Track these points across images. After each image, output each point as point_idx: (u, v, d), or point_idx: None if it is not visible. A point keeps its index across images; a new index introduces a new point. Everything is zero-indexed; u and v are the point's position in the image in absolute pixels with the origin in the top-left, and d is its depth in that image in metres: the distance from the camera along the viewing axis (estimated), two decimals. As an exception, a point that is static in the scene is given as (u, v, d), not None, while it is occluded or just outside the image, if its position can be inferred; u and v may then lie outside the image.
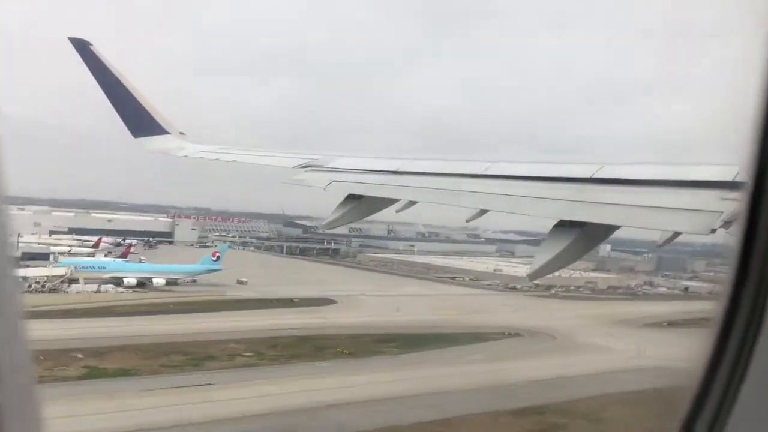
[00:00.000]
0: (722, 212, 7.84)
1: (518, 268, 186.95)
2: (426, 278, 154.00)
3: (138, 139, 21.46)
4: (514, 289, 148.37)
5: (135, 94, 21.27)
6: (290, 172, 16.19)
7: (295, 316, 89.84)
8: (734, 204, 7.86)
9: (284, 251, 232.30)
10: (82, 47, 21.19)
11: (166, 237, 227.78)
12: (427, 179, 12.93)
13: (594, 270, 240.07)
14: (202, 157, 19.45)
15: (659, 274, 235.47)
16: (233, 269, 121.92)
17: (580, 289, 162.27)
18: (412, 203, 12.68)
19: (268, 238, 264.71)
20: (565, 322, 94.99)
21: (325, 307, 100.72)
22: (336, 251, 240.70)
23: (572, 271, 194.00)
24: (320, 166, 15.90)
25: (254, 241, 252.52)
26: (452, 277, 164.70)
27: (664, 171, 9.49)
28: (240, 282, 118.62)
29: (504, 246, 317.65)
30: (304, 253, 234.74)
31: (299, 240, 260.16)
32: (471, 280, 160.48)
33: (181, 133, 22.04)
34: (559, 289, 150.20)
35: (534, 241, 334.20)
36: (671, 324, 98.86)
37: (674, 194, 8.80)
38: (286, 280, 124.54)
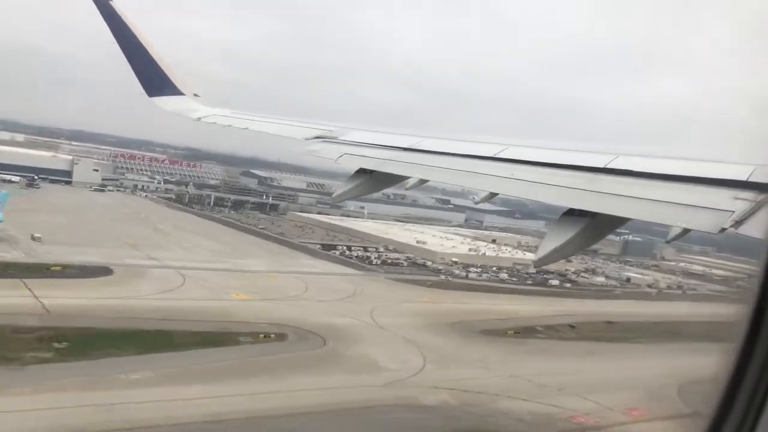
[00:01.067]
0: (733, 212, 7.78)
1: (452, 242, 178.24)
2: (307, 250, 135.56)
3: (152, 98, 21.44)
4: (423, 266, 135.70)
5: (152, 54, 21.19)
6: (304, 142, 16.20)
7: (18, 292, 69.94)
8: (746, 204, 7.79)
9: (211, 203, 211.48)
10: (102, 3, 21.06)
11: (65, 176, 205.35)
12: (438, 158, 12.88)
13: None
14: (215, 122, 19.43)
15: (619, 259, 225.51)
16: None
17: (496, 272, 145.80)
18: (422, 181, 12.66)
19: (202, 187, 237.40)
20: (380, 321, 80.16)
21: (84, 280, 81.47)
22: (274, 207, 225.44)
23: (513, 250, 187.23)
24: (334, 138, 15.88)
25: (175, 188, 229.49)
26: (349, 247, 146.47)
27: (679, 166, 9.39)
28: (33, 238, 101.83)
29: (474, 215, 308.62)
30: (230, 206, 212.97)
31: (239, 192, 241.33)
32: (372, 253, 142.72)
33: (195, 95, 22.00)
34: (462, 273, 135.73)
35: (508, 212, 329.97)
36: (524, 331, 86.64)
37: (687, 190, 8.73)
38: (101, 240, 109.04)
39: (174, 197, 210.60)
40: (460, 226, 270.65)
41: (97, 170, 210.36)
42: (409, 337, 74.15)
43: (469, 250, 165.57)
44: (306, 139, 16.29)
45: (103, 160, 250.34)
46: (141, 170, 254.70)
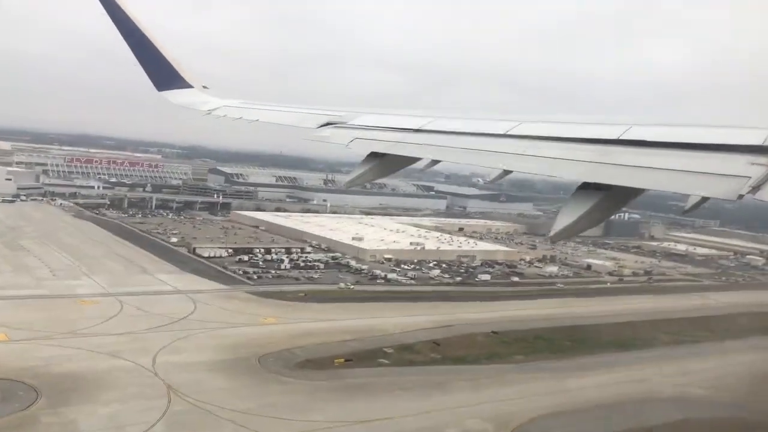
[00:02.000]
0: (750, 177, 7.70)
1: (398, 236, 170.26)
2: (182, 261, 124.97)
3: (162, 92, 21.50)
4: (346, 267, 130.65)
5: (159, 48, 21.22)
6: (314, 130, 16.21)
7: None
8: (763, 169, 7.71)
9: (152, 207, 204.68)
10: (108, 1, 21.05)
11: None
12: (450, 138, 12.85)
13: (526, 233, 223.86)
14: (225, 115, 19.46)
15: (598, 241, 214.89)
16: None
17: (428, 270, 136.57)
18: (434, 162, 12.63)
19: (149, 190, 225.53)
20: (164, 359, 68.59)
21: None
22: (226, 206, 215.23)
23: (473, 241, 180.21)
24: (343, 123, 15.89)
25: (112, 192, 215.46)
26: (268, 250, 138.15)
27: (693, 133, 9.30)
28: None
29: (457, 201, 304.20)
30: (174, 208, 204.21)
31: (196, 191, 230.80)
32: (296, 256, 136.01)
33: (204, 87, 22.04)
34: (386, 273, 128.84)
35: (493, 196, 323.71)
36: (367, 355, 76.56)
37: (702, 158, 8.65)
38: None
39: (107, 203, 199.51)
40: (437, 214, 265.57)
41: (10, 179, 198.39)
42: (177, 384, 62.18)
43: (411, 244, 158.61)
44: (318, 126, 16.31)
45: (53, 166, 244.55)
46: (97, 174, 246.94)
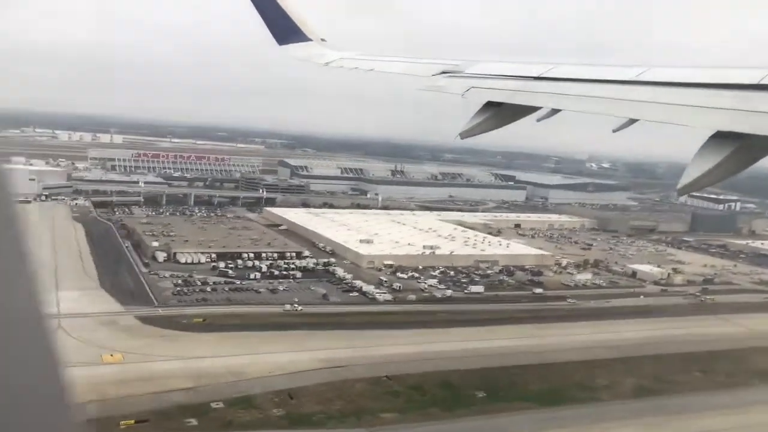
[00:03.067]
0: None
1: (419, 237, 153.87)
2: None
3: (283, 46, 22.18)
4: (333, 275, 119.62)
5: (281, 3, 21.83)
6: (429, 79, 16.19)
7: None
8: None
9: (191, 203, 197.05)
10: None
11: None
12: (571, 85, 12.43)
13: (596, 228, 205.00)
14: (342, 66, 19.82)
15: (678, 238, 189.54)
16: None
17: (425, 278, 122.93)
18: (555, 111, 12.29)
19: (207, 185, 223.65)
20: None
21: None
22: (271, 200, 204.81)
23: (512, 242, 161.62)
24: (459, 72, 15.74)
25: (158, 188, 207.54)
26: (258, 255, 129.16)
27: None
28: None
29: (538, 191, 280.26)
30: (216, 204, 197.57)
31: (248, 186, 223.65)
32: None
33: (323, 40, 22.48)
34: (371, 282, 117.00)
35: (580, 185, 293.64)
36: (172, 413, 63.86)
37: None
38: None
39: (141, 201, 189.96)
40: (510, 208, 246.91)
41: (33, 179, 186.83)
42: None
43: (423, 247, 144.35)
44: (432, 75, 16.26)
45: (121, 160, 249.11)
46: (163, 169, 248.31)
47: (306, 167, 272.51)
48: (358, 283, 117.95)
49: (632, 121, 10.48)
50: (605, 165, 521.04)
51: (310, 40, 22.02)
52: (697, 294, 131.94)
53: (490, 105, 13.56)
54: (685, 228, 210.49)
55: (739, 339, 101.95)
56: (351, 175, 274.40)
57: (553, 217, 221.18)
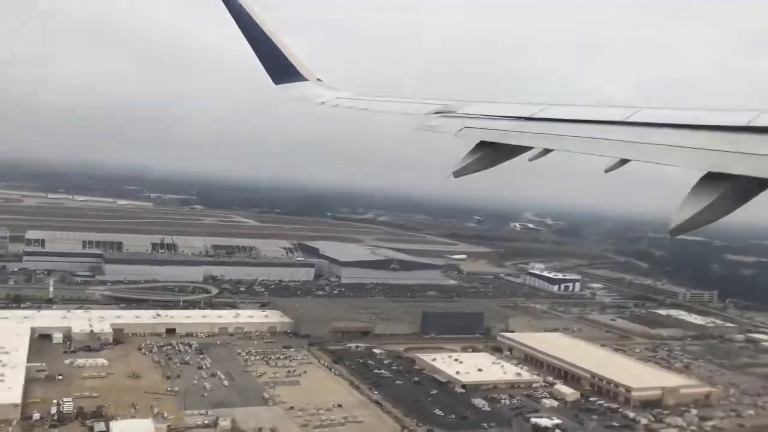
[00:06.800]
0: None
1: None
2: None
3: (279, 85, 22.38)
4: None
5: (275, 41, 22.10)
6: (422, 119, 16.34)
7: None
8: None
9: None
10: (231, 3, 22.15)
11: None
12: (563, 126, 12.53)
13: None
14: (337, 105, 19.99)
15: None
16: None
17: None
18: (547, 151, 12.38)
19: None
20: None
21: None
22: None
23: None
24: (452, 112, 15.88)
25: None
26: None
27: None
28: None
29: (333, 269, 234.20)
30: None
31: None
32: None
33: (318, 80, 22.72)
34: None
35: (380, 263, 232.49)
36: None
37: None
38: None
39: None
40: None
41: None
42: None
43: None
44: (425, 114, 16.42)
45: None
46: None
47: (42, 240, 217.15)
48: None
49: (623, 162, 10.53)
50: (549, 222, 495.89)
51: (307, 80, 22.25)
52: None
53: (483, 145, 13.64)
54: (414, 330, 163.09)
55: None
56: (93, 250, 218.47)
57: (241, 316, 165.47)
